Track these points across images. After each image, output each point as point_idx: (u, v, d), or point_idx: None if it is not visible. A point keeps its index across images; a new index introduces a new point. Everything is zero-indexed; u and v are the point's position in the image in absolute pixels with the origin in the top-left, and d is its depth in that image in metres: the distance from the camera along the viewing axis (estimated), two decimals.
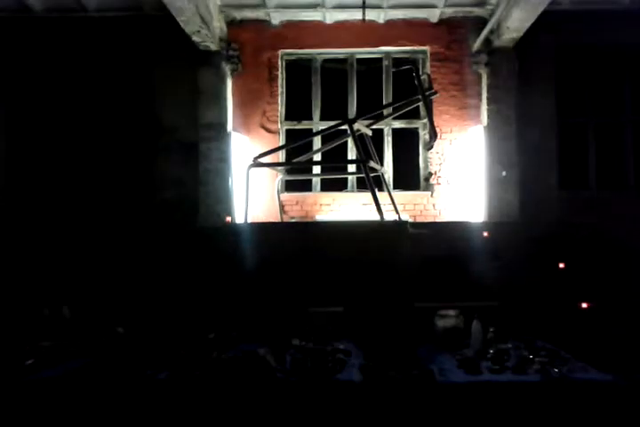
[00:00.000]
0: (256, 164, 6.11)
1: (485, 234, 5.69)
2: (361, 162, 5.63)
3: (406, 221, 5.70)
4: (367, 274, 5.18)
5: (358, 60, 7.77)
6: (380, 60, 7.76)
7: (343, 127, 6.07)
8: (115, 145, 7.56)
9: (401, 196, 7.17)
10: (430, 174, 7.41)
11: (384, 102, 7.53)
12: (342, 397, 3.45)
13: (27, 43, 7.53)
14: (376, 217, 5.42)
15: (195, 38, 6.86)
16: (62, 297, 5.34)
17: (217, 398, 3.49)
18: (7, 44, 7.52)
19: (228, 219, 6.40)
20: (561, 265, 5.52)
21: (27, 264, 5.72)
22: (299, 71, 7.80)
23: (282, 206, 6.99)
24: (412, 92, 6.29)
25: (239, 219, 6.92)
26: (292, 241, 5.46)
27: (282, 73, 7.68)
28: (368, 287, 5.10)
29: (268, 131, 7.54)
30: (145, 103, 7.56)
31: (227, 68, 7.35)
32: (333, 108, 7.69)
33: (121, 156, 7.55)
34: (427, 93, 6.15)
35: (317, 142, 7.46)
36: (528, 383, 3.42)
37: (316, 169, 7.36)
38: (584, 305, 5.11)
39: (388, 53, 7.67)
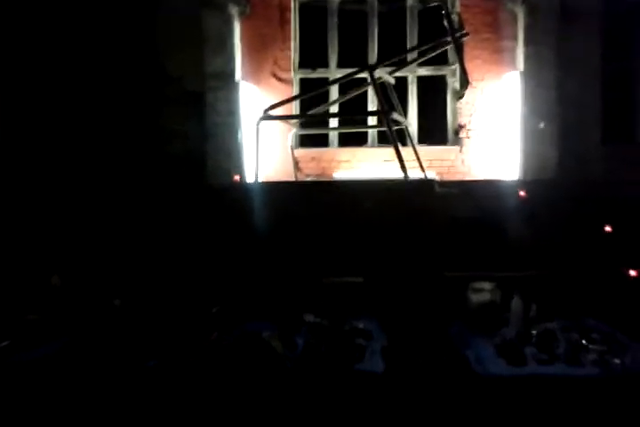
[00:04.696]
0: (267, 116, 5.65)
1: (522, 193, 5.17)
2: (382, 114, 5.14)
3: (433, 180, 5.21)
4: (390, 239, 4.67)
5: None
6: None
7: (363, 75, 5.55)
8: (118, 95, 6.93)
9: (427, 151, 6.52)
10: (459, 127, 6.75)
11: (408, 47, 6.81)
12: (362, 391, 2.95)
13: None
14: (399, 175, 4.94)
15: None
16: (53, 264, 4.89)
17: (214, 391, 3.02)
18: None
19: (237, 177, 5.87)
20: (607, 228, 4.97)
21: (14, 227, 5.24)
22: (313, 13, 7.07)
23: (296, 163, 6.41)
24: (439, 35, 5.68)
25: (249, 177, 6.39)
26: (307, 202, 4.97)
27: (295, 16, 6.97)
28: (391, 254, 4.60)
29: (281, 80, 6.90)
30: (148, 51, 6.88)
31: (233, 10, 6.66)
32: (352, 55, 7.02)
33: (125, 107, 6.92)
34: (457, 35, 5.56)
35: (334, 93, 6.81)
36: (585, 379, 2.87)
37: (333, 122, 6.77)
38: (632, 273, 4.56)
39: None
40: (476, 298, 3.91)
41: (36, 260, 4.91)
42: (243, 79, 6.74)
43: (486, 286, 3.95)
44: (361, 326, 3.71)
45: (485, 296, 3.87)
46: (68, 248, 5.03)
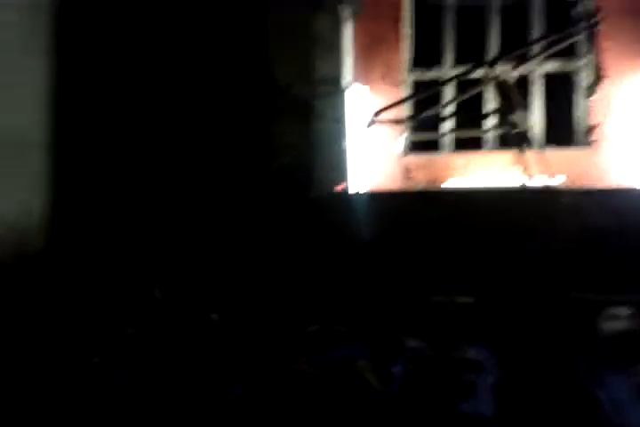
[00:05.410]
0: (376, 120, 5.42)
1: None
2: (502, 115, 5.03)
3: (560, 188, 4.67)
4: (509, 254, 4.19)
5: None
6: None
7: (480, 73, 5.15)
8: (224, 104, 6.83)
9: (554, 154, 5.84)
10: (591, 127, 6.03)
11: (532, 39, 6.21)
12: None
13: None
14: (522, 182, 4.48)
15: None
16: (155, 277, 4.86)
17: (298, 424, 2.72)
18: None
19: (341, 187, 5.58)
20: None
21: (118, 242, 5.28)
22: (428, 9, 6.63)
23: (406, 170, 6.04)
24: (567, 26, 5.18)
25: (356, 186, 6.07)
26: (416, 213, 4.63)
27: (408, 12, 6.57)
28: (509, 272, 4.11)
29: (392, 82, 6.51)
30: (257, 56, 6.75)
31: (344, 11, 6.40)
32: (470, 54, 6.48)
33: (231, 116, 6.81)
34: (590, 24, 5.04)
35: (449, 94, 6.34)
36: None
37: (448, 125, 6.29)
38: None
39: None
40: (610, 326, 3.31)
41: (137, 272, 4.91)
42: (352, 83, 6.45)
43: (623, 312, 3.34)
44: (470, 355, 3.25)
45: (622, 325, 3.27)
46: (170, 262, 5.00)
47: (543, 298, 3.80)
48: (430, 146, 6.49)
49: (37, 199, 5.13)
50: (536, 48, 5.79)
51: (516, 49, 5.58)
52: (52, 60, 5.40)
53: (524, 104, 5.76)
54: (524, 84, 6.06)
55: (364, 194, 5.21)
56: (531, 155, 5.38)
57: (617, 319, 3.30)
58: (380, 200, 4.90)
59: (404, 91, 6.51)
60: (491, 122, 6.18)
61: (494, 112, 6.09)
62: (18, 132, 4.98)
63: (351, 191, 5.92)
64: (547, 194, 4.52)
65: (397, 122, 6.00)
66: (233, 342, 3.78)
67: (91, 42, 5.81)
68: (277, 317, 4.11)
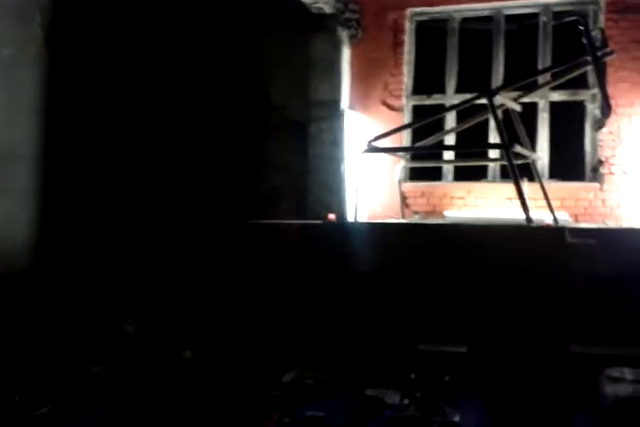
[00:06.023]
0: (371, 148, 5.16)
1: None
2: (504, 146, 4.52)
3: (564, 227, 4.33)
4: (506, 299, 3.86)
5: (507, 16, 6.18)
6: (535, 15, 6.11)
7: (483, 101, 4.87)
8: (217, 124, 6.55)
9: (558, 188, 5.58)
10: (600, 161, 5.68)
11: (539, 69, 5.93)
12: None
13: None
14: (524, 217, 4.18)
15: None
16: (129, 309, 4.55)
17: None
18: None
19: (331, 216, 5.26)
20: None
21: (93, 269, 4.97)
22: (431, 35, 6.39)
23: (404, 199, 5.79)
24: (576, 56, 4.91)
25: (350, 214, 5.77)
26: (407, 248, 4.29)
27: (410, 37, 6.33)
28: (506, 319, 3.78)
29: (391, 108, 6.25)
30: (253, 76, 6.51)
31: (343, 34, 6.19)
32: (473, 79, 6.22)
33: (223, 136, 6.52)
34: (599, 54, 4.78)
35: (451, 122, 6.06)
36: None
37: (448, 154, 6.07)
38: None
39: (546, 6, 6.00)
40: (612, 389, 2.98)
41: (113, 304, 4.61)
42: (349, 107, 6.20)
43: (627, 374, 3.01)
44: (457, 419, 2.92)
45: (627, 390, 2.93)
46: (147, 294, 4.71)
47: (541, 351, 3.47)
48: (432, 174, 6.20)
49: (23, 214, 4.89)
50: (543, 77, 5.53)
51: (521, 76, 5.29)
52: (42, 73, 5.19)
53: (529, 135, 5.49)
54: (532, 113, 5.82)
55: (352, 223, 4.95)
56: (534, 188, 5.11)
57: (621, 382, 2.98)
58: (370, 231, 4.61)
59: (404, 117, 6.26)
60: (493, 152, 5.91)
61: (493, 144, 5.85)
62: (5, 145, 4.76)
63: (346, 219, 5.63)
64: (549, 232, 4.19)
65: (395, 149, 5.73)
66: (204, 385, 3.48)
67: (82, 55, 5.60)
68: (254, 358, 3.81)
